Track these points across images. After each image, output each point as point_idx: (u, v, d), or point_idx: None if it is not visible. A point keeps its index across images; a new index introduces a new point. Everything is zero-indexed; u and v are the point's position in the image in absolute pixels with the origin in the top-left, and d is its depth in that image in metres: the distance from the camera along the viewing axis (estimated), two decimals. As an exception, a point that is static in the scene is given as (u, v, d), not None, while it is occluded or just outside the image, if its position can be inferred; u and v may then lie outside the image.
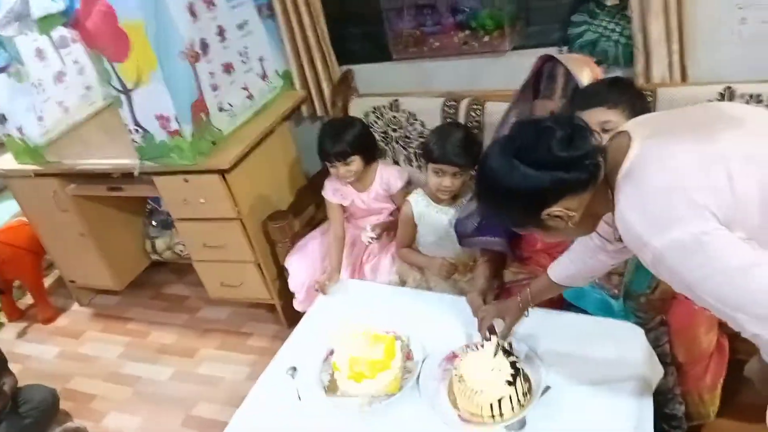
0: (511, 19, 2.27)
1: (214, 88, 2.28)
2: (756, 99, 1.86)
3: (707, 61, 2.03)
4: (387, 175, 2.21)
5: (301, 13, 2.42)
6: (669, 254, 1.00)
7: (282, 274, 2.45)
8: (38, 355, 2.93)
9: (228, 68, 2.35)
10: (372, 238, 2.15)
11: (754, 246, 0.99)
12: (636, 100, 1.52)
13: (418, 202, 2.02)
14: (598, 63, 2.16)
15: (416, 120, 2.42)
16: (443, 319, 1.73)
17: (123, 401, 2.53)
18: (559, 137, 1.07)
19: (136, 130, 2.23)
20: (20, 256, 2.99)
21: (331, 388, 1.61)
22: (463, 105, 2.29)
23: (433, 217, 1.99)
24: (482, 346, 1.53)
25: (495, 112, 2.16)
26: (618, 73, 2.17)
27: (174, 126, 2.15)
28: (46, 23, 2.08)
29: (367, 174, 2.18)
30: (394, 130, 2.48)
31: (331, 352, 1.66)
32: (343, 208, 2.25)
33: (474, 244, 1.92)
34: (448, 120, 2.31)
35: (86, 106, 2.88)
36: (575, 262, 1.45)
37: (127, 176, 2.42)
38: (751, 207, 0.98)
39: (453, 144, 1.85)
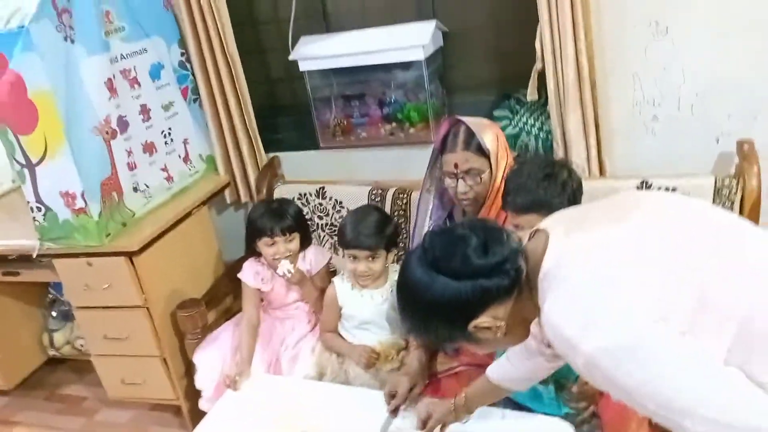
0: (436, 112, 2.30)
1: (131, 167, 2.17)
2: (671, 192, 1.90)
3: (624, 154, 2.09)
4: (309, 255, 2.13)
5: (229, 99, 2.38)
6: (600, 359, 0.91)
7: (190, 371, 2.23)
8: None
9: (149, 148, 2.26)
10: (289, 271, 2.00)
11: (694, 337, 0.90)
12: (571, 195, 1.51)
13: (342, 286, 1.95)
14: (519, 156, 2.21)
15: (342, 207, 2.37)
16: (362, 416, 1.58)
17: None
18: (474, 245, 1.04)
19: (39, 208, 2.07)
20: None
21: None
22: (389, 194, 2.26)
23: (358, 301, 1.92)
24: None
25: (419, 200, 2.14)
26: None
27: (80, 204, 2.01)
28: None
29: (294, 257, 2.08)
30: (320, 218, 2.42)
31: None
32: (261, 295, 2.12)
33: None
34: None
35: (-13, 184, 2.70)
36: (515, 365, 1.36)
37: (25, 259, 2.22)
38: (683, 291, 0.91)
39: (365, 227, 1.82)
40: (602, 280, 0.93)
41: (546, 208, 1.44)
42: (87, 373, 2.74)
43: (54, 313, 2.75)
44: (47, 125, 1.91)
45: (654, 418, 0.93)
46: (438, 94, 2.36)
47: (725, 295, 0.91)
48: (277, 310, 2.16)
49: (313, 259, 2.15)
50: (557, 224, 1.07)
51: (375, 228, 1.83)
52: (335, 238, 2.39)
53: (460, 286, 1.02)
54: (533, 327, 1.15)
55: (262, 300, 2.14)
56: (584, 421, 1.51)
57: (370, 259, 1.83)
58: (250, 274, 2.10)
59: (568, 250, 0.99)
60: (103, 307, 2.20)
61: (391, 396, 1.56)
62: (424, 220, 1.90)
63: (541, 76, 2.04)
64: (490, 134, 1.75)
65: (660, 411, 0.90)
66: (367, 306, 1.87)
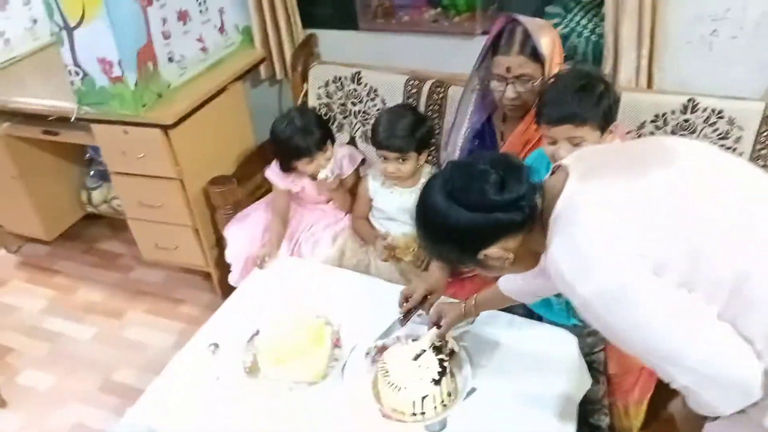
0: (484, 1, 2.18)
1: (166, 36, 2.13)
2: (717, 114, 1.83)
3: (674, 69, 1.99)
4: (340, 157, 2.13)
5: (268, -33, 2.28)
6: (594, 302, 0.98)
7: (220, 242, 2.34)
8: (-45, 300, 2.77)
9: (183, 16, 2.20)
10: (331, 173, 2.02)
11: (688, 291, 0.95)
12: (606, 109, 1.45)
13: (373, 181, 1.99)
14: (568, 58, 2.11)
15: (377, 96, 2.32)
16: (380, 307, 1.65)
17: (40, 358, 2.40)
18: (492, 181, 1.06)
19: (76, 72, 2.07)
20: (-55, 194, 2.81)
21: (253, 369, 1.53)
22: (426, 86, 2.20)
23: (387, 197, 1.96)
24: (414, 340, 1.47)
25: (457, 96, 2.08)
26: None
27: (117, 72, 2.00)
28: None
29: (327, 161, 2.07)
30: (354, 104, 2.38)
31: (257, 333, 1.58)
32: (290, 194, 2.15)
33: None
34: (410, 100, 2.23)
35: (30, 40, 2.69)
36: (525, 279, 1.39)
37: (64, 120, 2.26)
38: (680, 250, 0.95)
39: (398, 129, 1.82)
40: (603, 231, 0.97)
41: (580, 119, 1.42)
42: (123, 231, 2.86)
43: (92, 172, 2.84)
44: (84, -12, 1.86)
45: (643, 362, 1.00)
46: (488, -20, 2.22)
47: (721, 258, 0.95)
48: (306, 206, 2.20)
49: (345, 162, 2.15)
50: (579, 163, 1.08)
51: (407, 130, 1.83)
52: (367, 126, 2.38)
53: (475, 217, 1.05)
54: (543, 258, 1.20)
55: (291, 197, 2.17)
56: (590, 333, 1.57)
57: (401, 160, 1.84)
58: (278, 174, 2.11)
59: (581, 196, 1.01)
60: (139, 175, 2.26)
61: (406, 299, 1.60)
62: (462, 121, 1.85)
63: (602, -24, 1.90)
64: (547, 38, 1.66)
65: (647, 356, 0.99)
66: (396, 202, 1.91)
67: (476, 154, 1.17)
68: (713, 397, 0.98)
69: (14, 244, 2.98)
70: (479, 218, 1.05)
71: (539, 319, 1.63)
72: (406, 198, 1.92)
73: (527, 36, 1.64)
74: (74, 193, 2.88)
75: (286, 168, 2.06)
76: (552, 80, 1.53)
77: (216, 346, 1.61)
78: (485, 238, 1.07)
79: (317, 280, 1.80)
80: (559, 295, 1.60)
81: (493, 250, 1.08)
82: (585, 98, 1.44)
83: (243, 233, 2.16)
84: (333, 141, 2.11)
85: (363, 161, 2.23)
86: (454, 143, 1.84)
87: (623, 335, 0.99)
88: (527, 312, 1.65)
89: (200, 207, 2.30)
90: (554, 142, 1.47)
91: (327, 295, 1.70)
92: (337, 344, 1.56)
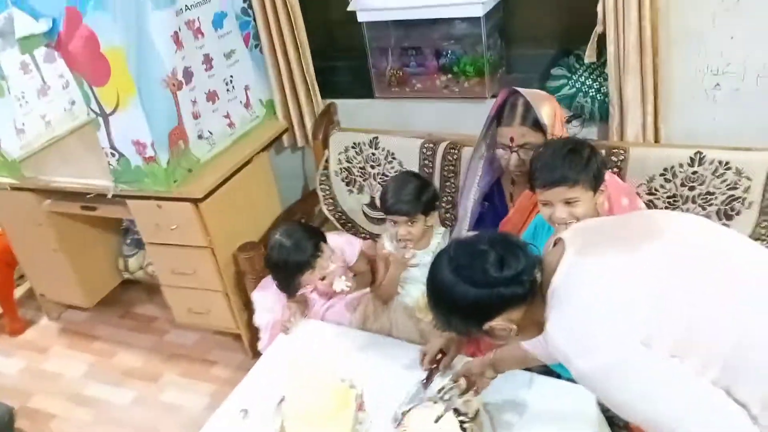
0: (492, 66, 2.29)
1: (195, 116, 2.28)
2: (724, 165, 1.88)
3: (680, 123, 2.05)
4: (337, 249, 2.09)
5: (287, 46, 2.43)
6: (591, 376, 1.04)
7: (249, 304, 2.43)
8: (2, 368, 2.89)
9: (212, 97, 2.35)
10: (348, 286, 2.02)
11: (680, 361, 1.00)
12: (596, 170, 1.54)
13: (390, 245, 2.05)
14: (575, 117, 2.20)
15: (394, 159, 2.43)
16: (402, 368, 1.72)
17: (83, 424, 2.50)
18: (492, 260, 1.14)
19: (112, 154, 2.23)
20: (-8, 267, 2.98)
21: (281, 434, 1.59)
22: (441, 148, 2.30)
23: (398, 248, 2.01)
24: (435, 402, 1.52)
25: (470, 157, 2.18)
26: (593, 129, 2.20)
27: (150, 153, 2.15)
28: (28, 43, 2.08)
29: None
30: (372, 167, 2.49)
31: (283, 399, 1.64)
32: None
33: None
34: (425, 162, 2.33)
35: (69, 120, 2.88)
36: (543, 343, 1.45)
37: (102, 196, 2.41)
38: (672, 320, 1.00)
39: (404, 195, 1.92)
40: (596, 308, 1.04)
41: (572, 180, 1.50)
42: (158, 295, 2.98)
43: (128, 241, 2.99)
44: (119, 79, 2.02)
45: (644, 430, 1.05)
46: (496, 47, 2.33)
47: (713, 328, 1.00)
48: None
49: (348, 251, 2.18)
50: (576, 238, 1.15)
51: (413, 195, 1.93)
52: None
53: (479, 293, 1.13)
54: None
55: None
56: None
57: (409, 223, 1.93)
58: (265, 309, 2.13)
59: (576, 271, 1.08)
60: (172, 245, 2.39)
61: (425, 355, 1.67)
62: (471, 186, 1.94)
63: (601, 38, 2.00)
64: (547, 108, 1.75)
65: (647, 424, 1.03)
66: (408, 255, 1.97)
67: (479, 234, 1.25)
68: None
69: (55, 311, 3.13)
70: (483, 293, 1.13)
71: (557, 376, 1.66)
72: (421, 259, 1.98)
73: (528, 107, 1.74)
74: (112, 261, 3.03)
75: (292, 291, 2.05)
76: (541, 148, 1.62)
77: (246, 412, 1.68)
78: (489, 311, 1.15)
79: (341, 343, 1.87)
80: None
81: (498, 322, 1.15)
82: (574, 160, 1.53)
83: (267, 300, 2.24)
84: (325, 241, 2.06)
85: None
86: (465, 207, 1.92)
87: (623, 407, 1.04)
88: (545, 370, 1.69)
89: (230, 272, 2.41)
90: (549, 205, 1.55)
91: (350, 358, 1.77)
92: (360, 408, 1.62)
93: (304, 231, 2.05)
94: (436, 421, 1.46)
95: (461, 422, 1.44)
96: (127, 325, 3.01)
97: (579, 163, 1.51)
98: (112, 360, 2.82)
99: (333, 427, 1.53)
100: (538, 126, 1.72)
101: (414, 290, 2.02)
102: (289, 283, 2.03)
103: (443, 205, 2.29)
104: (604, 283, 1.05)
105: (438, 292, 1.20)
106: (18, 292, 3.22)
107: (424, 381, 1.63)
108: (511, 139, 1.73)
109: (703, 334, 1.00)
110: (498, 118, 1.80)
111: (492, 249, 1.15)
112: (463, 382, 1.52)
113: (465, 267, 1.15)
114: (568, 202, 1.50)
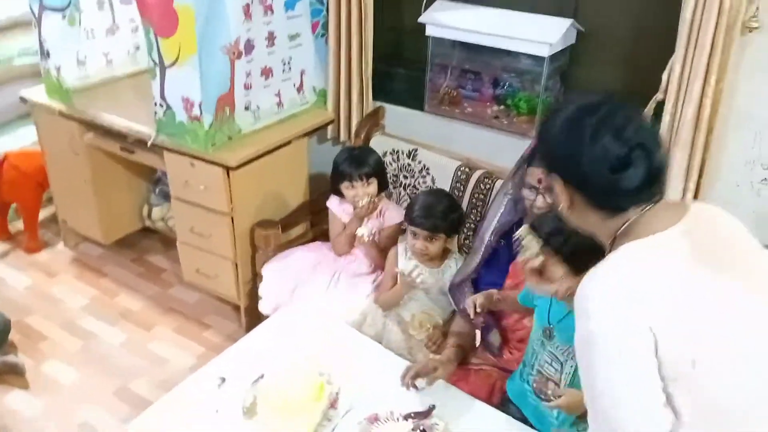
0: (546, 108, 2.28)
1: (247, 87, 2.33)
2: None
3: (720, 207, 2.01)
4: (385, 209, 2.27)
5: (352, 42, 2.46)
6: (583, 338, 1.04)
7: (255, 280, 2.47)
8: (10, 281, 2.98)
9: (267, 72, 2.40)
10: (368, 235, 2.17)
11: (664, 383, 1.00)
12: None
13: (402, 252, 2.07)
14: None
15: (429, 174, 2.44)
16: (383, 377, 1.73)
17: (70, 352, 2.56)
18: (644, 161, 1.05)
19: (161, 105, 2.29)
20: (25, 182, 3.07)
21: (250, 411, 1.61)
22: (476, 175, 2.31)
23: (411, 271, 2.00)
24: (401, 418, 1.53)
25: (501, 190, 2.18)
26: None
27: (196, 112, 2.20)
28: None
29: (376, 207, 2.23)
30: (406, 177, 2.51)
31: (261, 377, 1.67)
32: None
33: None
34: (458, 184, 2.33)
35: (130, 64, 2.96)
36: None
37: (141, 142, 2.48)
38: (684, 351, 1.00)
39: (433, 209, 1.93)
40: (621, 289, 1.02)
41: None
42: (172, 249, 3.02)
43: (157, 190, 3.05)
44: (184, 35, 2.08)
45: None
46: (554, 90, 2.33)
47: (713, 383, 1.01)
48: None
49: (387, 215, 2.27)
50: (697, 227, 1.08)
51: (441, 212, 1.93)
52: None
53: (601, 151, 1.04)
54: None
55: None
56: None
57: (429, 239, 1.93)
58: (336, 203, 2.29)
59: (645, 255, 1.04)
60: (196, 205, 2.44)
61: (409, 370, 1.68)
62: (492, 220, 1.94)
63: (659, 105, 1.98)
64: None
65: (590, 403, 1.07)
66: (417, 280, 1.97)
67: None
68: None
69: (73, 240, 3.21)
70: (608, 153, 1.04)
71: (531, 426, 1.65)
72: (428, 277, 1.98)
73: None
74: (137, 206, 3.10)
75: (334, 189, 2.25)
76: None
77: (223, 380, 1.71)
78: (577, 170, 1.08)
79: (331, 338, 1.88)
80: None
81: (563, 188, 1.12)
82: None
83: (279, 271, 2.29)
84: (384, 187, 2.29)
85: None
86: (482, 239, 1.92)
87: (583, 372, 1.07)
88: (522, 417, 1.68)
89: (244, 244, 2.45)
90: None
91: (335, 355, 1.78)
92: (333, 405, 1.63)
93: (376, 161, 2.23)
94: None
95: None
96: (136, 270, 3.07)
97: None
98: (113, 299, 2.88)
99: (301, 416, 1.55)
100: None
101: (414, 306, 2.02)
102: (333, 181, 2.25)
103: (464, 232, 2.29)
104: (654, 274, 1.02)
105: (562, 122, 1.10)
106: (43, 214, 3.31)
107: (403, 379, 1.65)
108: (539, 181, 1.73)
109: (699, 381, 1.00)
110: (530, 158, 1.80)
111: (652, 156, 1.06)
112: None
113: (617, 126, 1.04)
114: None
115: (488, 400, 1.75)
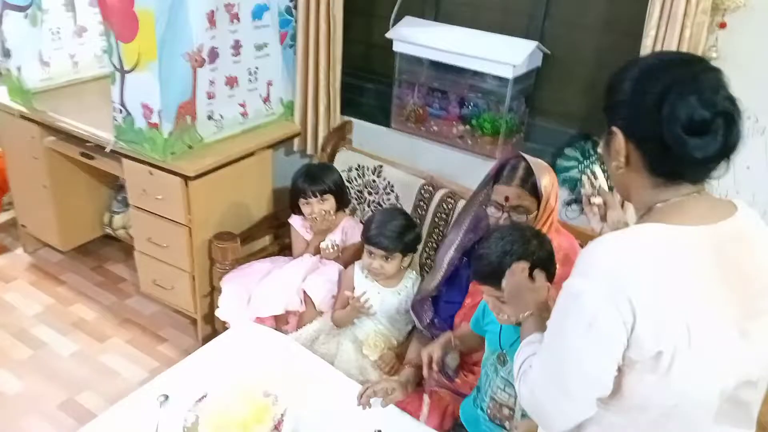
0: (509, 129, 2.28)
1: (210, 96, 2.29)
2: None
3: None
4: (348, 227, 2.26)
5: (320, 55, 2.44)
6: (564, 290, 1.03)
7: (212, 293, 2.42)
8: (-39, 285, 2.91)
9: (231, 82, 2.36)
10: (333, 246, 2.18)
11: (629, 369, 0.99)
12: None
13: (359, 272, 2.03)
14: (576, 201, 2.17)
15: (392, 191, 2.41)
16: (331, 401, 1.69)
17: (17, 361, 2.48)
18: (723, 133, 0.96)
19: (120, 110, 2.24)
20: (-16, 185, 3.00)
21: (191, 431, 1.56)
22: (439, 194, 2.28)
23: (368, 292, 1.97)
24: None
25: (464, 210, 2.16)
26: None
27: (155, 119, 2.16)
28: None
29: (331, 223, 2.22)
30: (370, 193, 2.48)
31: (205, 396, 1.61)
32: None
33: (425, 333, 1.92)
34: (421, 203, 2.31)
35: (96, 67, 2.90)
36: None
37: (101, 147, 2.42)
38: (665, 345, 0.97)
39: (388, 229, 1.91)
40: (638, 258, 0.97)
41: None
42: (133, 258, 2.97)
43: (119, 198, 2.99)
44: (144, 40, 2.04)
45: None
46: (519, 112, 2.32)
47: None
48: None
49: (349, 232, 2.24)
50: (720, 230, 1.02)
51: (397, 232, 1.91)
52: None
53: (681, 105, 0.96)
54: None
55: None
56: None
57: (385, 258, 1.90)
58: (299, 221, 2.28)
59: (666, 242, 0.98)
60: (154, 214, 2.38)
61: (367, 389, 1.69)
62: (454, 239, 1.91)
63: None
64: (547, 178, 1.74)
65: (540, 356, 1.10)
66: (375, 299, 1.94)
67: None
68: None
69: (32, 246, 3.13)
70: (680, 116, 0.96)
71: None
72: (385, 297, 1.96)
73: (530, 172, 1.72)
74: (98, 213, 3.03)
75: (293, 205, 2.25)
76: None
77: (166, 397, 1.66)
78: (647, 124, 0.99)
79: (280, 356, 1.84)
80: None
81: (624, 143, 1.03)
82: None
83: (238, 284, 2.23)
84: (344, 205, 2.29)
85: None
86: (442, 258, 1.90)
87: (557, 319, 1.06)
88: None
89: (201, 257, 2.40)
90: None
91: (283, 374, 1.73)
92: (277, 428, 1.58)
93: (334, 179, 2.22)
94: None
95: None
96: (94, 279, 3.00)
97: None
98: (68, 308, 2.80)
99: (241, 440, 1.50)
100: (534, 193, 1.71)
101: (369, 326, 1.98)
102: (291, 199, 2.24)
103: (426, 251, 2.26)
104: (672, 261, 0.97)
105: (640, 71, 1.03)
106: (2, 217, 3.23)
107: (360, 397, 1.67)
108: (506, 198, 1.71)
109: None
110: (496, 176, 1.79)
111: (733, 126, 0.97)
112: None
113: (710, 86, 0.97)
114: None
115: (440, 425, 1.73)
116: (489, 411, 1.61)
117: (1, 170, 2.96)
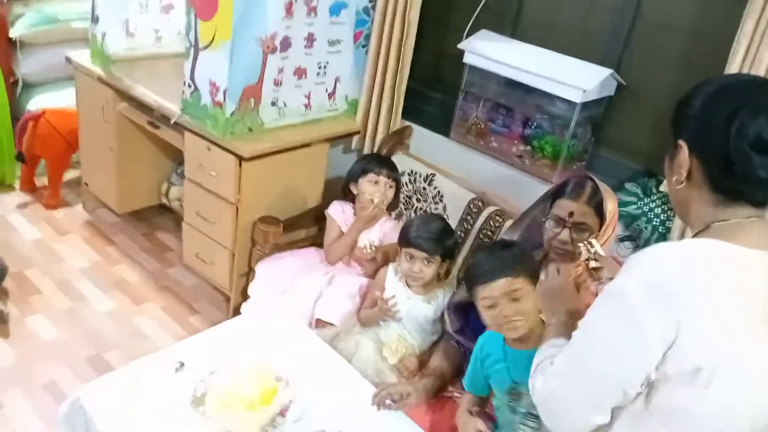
0: (570, 155, 2.22)
1: (276, 83, 2.33)
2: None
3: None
4: (387, 228, 2.26)
5: (390, 59, 2.45)
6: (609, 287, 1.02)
7: (249, 274, 2.45)
8: (21, 231, 3.04)
9: (300, 73, 2.40)
10: (371, 246, 2.21)
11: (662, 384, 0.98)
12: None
13: (393, 276, 2.00)
14: (630, 238, 2.09)
15: (441, 201, 2.39)
16: (343, 398, 1.67)
17: (57, 310, 2.58)
18: None
19: (189, 85, 2.31)
20: (56, 140, 3.14)
21: (198, 401, 1.56)
22: (487, 210, 2.24)
23: (400, 297, 1.95)
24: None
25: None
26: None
27: (219, 98, 2.21)
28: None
29: (380, 213, 2.25)
30: (418, 200, 2.46)
31: (215, 370, 1.62)
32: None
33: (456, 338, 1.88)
34: (468, 217, 2.28)
35: (179, 44, 2.99)
36: None
37: (167, 118, 2.50)
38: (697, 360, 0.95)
39: (429, 231, 1.88)
40: (685, 276, 0.95)
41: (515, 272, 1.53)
42: (182, 229, 3.05)
43: (179, 171, 3.08)
44: (221, 21, 2.09)
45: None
46: (584, 140, 2.26)
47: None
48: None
49: (388, 232, 2.23)
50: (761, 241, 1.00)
51: (438, 234, 1.88)
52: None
53: (750, 122, 0.96)
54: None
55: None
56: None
57: (426, 262, 1.87)
58: (339, 209, 2.28)
59: (722, 258, 0.97)
60: (206, 189, 2.44)
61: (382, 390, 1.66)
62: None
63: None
64: (612, 204, 1.71)
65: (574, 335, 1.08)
66: (403, 305, 1.91)
67: None
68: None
69: (91, 204, 3.26)
70: (748, 134, 0.95)
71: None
72: (414, 304, 1.92)
73: (597, 192, 1.68)
74: (157, 182, 3.12)
75: (346, 190, 2.27)
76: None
77: (182, 364, 1.68)
78: (714, 139, 0.99)
79: (299, 346, 1.83)
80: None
81: (688, 157, 1.02)
82: (506, 254, 1.57)
83: (273, 270, 2.26)
84: (395, 206, 2.33)
85: None
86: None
87: (594, 315, 1.04)
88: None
89: (244, 237, 2.43)
90: (494, 306, 1.51)
91: (300, 363, 1.72)
92: (283, 413, 1.57)
93: (397, 169, 2.28)
94: None
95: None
96: (143, 244, 3.09)
97: (510, 257, 1.55)
98: (113, 267, 2.90)
99: (246, 416, 1.50)
100: (599, 213, 1.66)
101: (394, 329, 1.95)
102: (351, 178, 2.25)
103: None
104: (719, 277, 0.95)
105: (721, 84, 1.03)
106: (69, 174, 3.38)
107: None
108: (570, 214, 1.66)
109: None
110: (559, 192, 1.74)
111: None
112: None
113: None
114: (512, 296, 1.50)
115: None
116: None
117: (74, 129, 3.10)
